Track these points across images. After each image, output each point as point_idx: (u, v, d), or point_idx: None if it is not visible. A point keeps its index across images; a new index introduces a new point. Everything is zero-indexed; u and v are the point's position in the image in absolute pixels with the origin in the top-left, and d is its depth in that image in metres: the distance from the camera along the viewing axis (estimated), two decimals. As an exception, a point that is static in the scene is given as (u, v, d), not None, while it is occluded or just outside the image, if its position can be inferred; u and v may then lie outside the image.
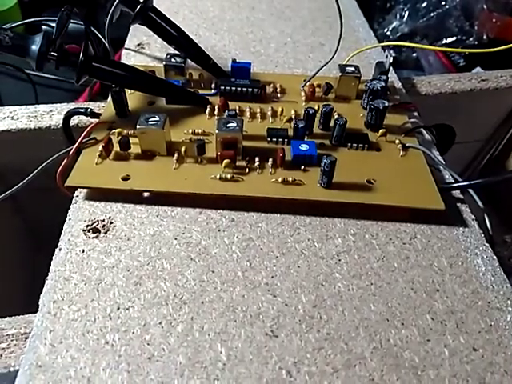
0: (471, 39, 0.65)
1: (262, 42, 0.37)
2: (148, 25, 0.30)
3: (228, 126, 0.25)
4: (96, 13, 0.63)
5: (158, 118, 0.25)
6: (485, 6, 0.64)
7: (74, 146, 0.25)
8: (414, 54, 0.65)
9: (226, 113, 0.27)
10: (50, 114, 0.32)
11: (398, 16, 0.67)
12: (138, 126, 0.25)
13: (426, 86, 0.38)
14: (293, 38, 0.38)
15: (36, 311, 0.20)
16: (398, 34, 0.67)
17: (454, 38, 0.65)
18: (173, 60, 0.31)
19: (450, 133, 0.41)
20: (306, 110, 0.27)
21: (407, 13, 0.66)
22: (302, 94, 0.31)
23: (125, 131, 0.27)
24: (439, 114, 0.39)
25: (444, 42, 0.66)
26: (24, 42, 0.25)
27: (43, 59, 0.25)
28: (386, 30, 0.67)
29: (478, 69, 0.64)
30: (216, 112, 0.29)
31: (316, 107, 0.28)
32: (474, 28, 0.65)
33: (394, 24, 0.67)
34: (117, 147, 0.26)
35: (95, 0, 0.63)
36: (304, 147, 0.25)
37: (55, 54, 0.25)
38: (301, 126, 0.27)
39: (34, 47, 0.25)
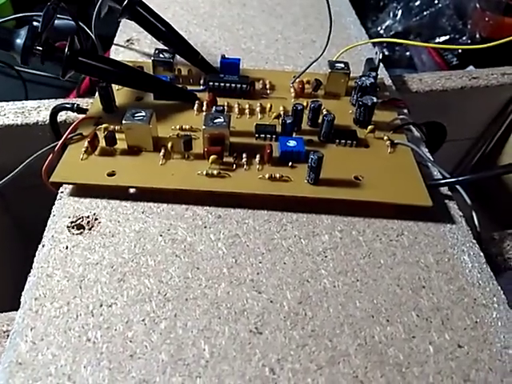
0: (464, 38, 0.65)
1: (252, 39, 0.37)
2: (136, 20, 0.30)
3: (215, 121, 0.25)
4: (87, 9, 0.63)
5: (144, 114, 0.25)
6: (477, 5, 0.64)
7: (60, 142, 0.25)
8: (408, 53, 0.65)
9: (214, 108, 0.27)
10: (38, 110, 0.32)
11: (391, 14, 0.67)
12: (123, 122, 0.25)
13: (416, 83, 0.38)
14: (283, 35, 0.38)
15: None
16: (391, 33, 0.67)
17: (447, 37, 0.65)
18: (161, 55, 0.30)
19: (441, 131, 0.40)
20: (294, 106, 0.27)
21: (400, 11, 0.66)
22: (292, 90, 0.31)
23: (111, 126, 0.26)
24: (430, 111, 0.39)
25: (437, 40, 0.66)
26: (9, 35, 0.25)
27: (28, 53, 0.25)
28: (379, 28, 0.67)
29: (471, 67, 0.64)
30: (204, 108, 0.29)
31: (305, 103, 0.28)
32: (467, 27, 0.65)
33: (387, 22, 0.67)
34: (103, 143, 0.25)
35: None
36: (292, 143, 0.25)
37: (40, 48, 0.24)
38: (289, 121, 0.26)
39: (19, 41, 0.24)
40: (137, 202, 0.24)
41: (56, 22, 0.27)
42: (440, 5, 0.64)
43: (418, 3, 0.66)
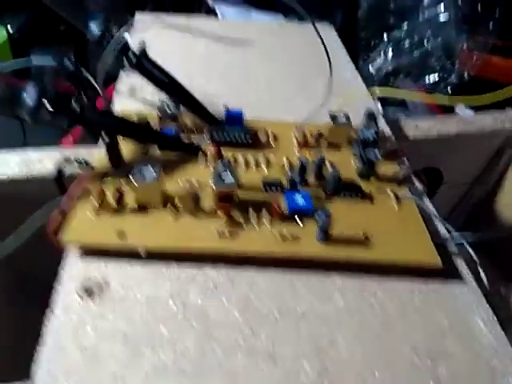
0: (453, 77, 0.67)
1: (252, 87, 0.38)
2: (140, 71, 0.30)
3: (224, 179, 0.25)
4: (85, 47, 0.63)
5: (152, 170, 0.25)
6: (465, 45, 0.67)
7: (70, 202, 0.25)
8: (399, 92, 0.67)
9: (221, 164, 0.27)
10: (41, 161, 0.32)
11: (382, 54, 0.69)
12: (132, 179, 0.25)
13: (413, 129, 0.39)
14: (282, 82, 0.39)
15: (24, 374, 0.19)
16: (382, 72, 0.68)
17: (436, 76, 0.67)
18: (166, 107, 0.31)
19: (437, 175, 0.41)
20: (299, 161, 0.27)
21: (391, 51, 0.68)
22: (294, 140, 0.31)
23: (118, 183, 0.26)
24: (425, 156, 0.40)
25: (426, 78, 0.67)
26: (15, 94, 0.25)
27: (38, 113, 0.24)
28: (369, 67, 0.69)
29: (461, 106, 0.65)
30: (209, 159, 0.29)
31: (309, 156, 0.29)
32: (456, 66, 0.67)
33: (377, 62, 0.69)
34: (111, 200, 0.25)
35: (83, 34, 0.63)
36: (300, 200, 0.25)
37: (50, 110, 0.24)
38: (295, 177, 0.27)
39: (29, 101, 0.24)
40: (146, 263, 0.23)
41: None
42: (429, 45, 0.66)
43: (407, 44, 0.68)
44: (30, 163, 0.32)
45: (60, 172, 0.28)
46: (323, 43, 0.30)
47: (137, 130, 0.28)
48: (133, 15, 0.74)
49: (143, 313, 0.21)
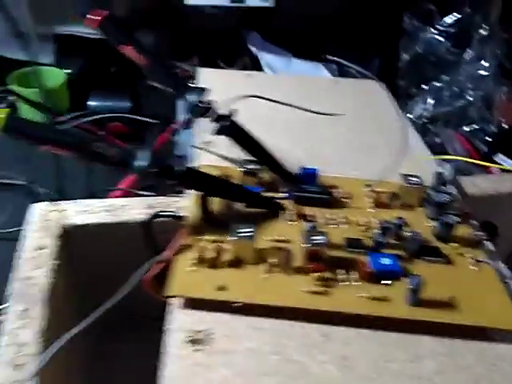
0: (491, 126, 0.69)
1: (315, 143, 0.40)
2: (228, 134, 0.33)
3: (313, 238, 0.27)
4: (136, 87, 0.66)
5: (248, 230, 0.27)
6: (504, 96, 0.69)
7: (169, 257, 0.27)
8: (438, 139, 0.69)
9: (308, 223, 0.29)
10: (126, 209, 0.34)
11: (421, 103, 0.71)
12: (230, 238, 0.27)
13: (470, 187, 0.40)
14: (344, 139, 0.41)
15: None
16: (421, 120, 0.71)
17: (475, 125, 0.69)
18: (248, 165, 0.33)
19: (493, 230, 0.43)
20: (382, 223, 0.29)
21: (430, 100, 0.70)
22: (367, 199, 0.33)
23: (213, 238, 0.28)
24: (481, 212, 0.41)
25: (464, 128, 0.69)
26: (127, 156, 0.27)
27: (146, 176, 0.27)
28: (409, 114, 0.71)
29: (500, 155, 0.67)
30: (291, 216, 0.31)
31: (386, 216, 0.30)
32: (494, 116, 0.69)
33: (417, 109, 0.71)
34: (209, 254, 0.27)
35: (140, 75, 0.66)
36: (386, 262, 0.27)
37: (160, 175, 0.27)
38: (378, 239, 0.28)
39: (139, 164, 0.26)
40: (246, 317, 0.25)
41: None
42: (469, 97, 0.68)
43: (447, 94, 0.70)
44: (115, 209, 0.34)
45: (149, 225, 0.30)
46: (391, 108, 0.32)
47: (227, 186, 0.30)
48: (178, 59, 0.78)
49: (249, 366, 0.23)
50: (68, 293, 0.31)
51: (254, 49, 0.77)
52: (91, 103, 0.60)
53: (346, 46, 0.76)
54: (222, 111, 0.32)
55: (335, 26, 0.78)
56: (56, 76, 0.64)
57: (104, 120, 0.41)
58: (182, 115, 0.62)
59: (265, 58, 0.76)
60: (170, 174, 0.27)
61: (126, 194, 0.50)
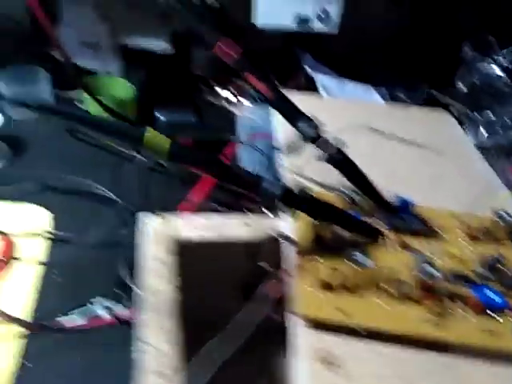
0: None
1: (405, 177, 0.42)
2: (335, 164, 0.34)
3: (428, 271, 0.29)
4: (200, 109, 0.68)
5: (363, 256, 0.29)
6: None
7: (288, 279, 0.29)
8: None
9: (420, 256, 0.30)
10: (228, 226, 0.36)
11: (473, 132, 0.73)
12: (347, 262, 0.29)
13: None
14: (420, 170, 0.43)
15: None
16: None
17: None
18: (348, 192, 0.35)
19: None
20: (484, 258, 0.31)
21: (483, 130, 0.72)
22: (459, 231, 0.35)
23: (328, 262, 0.30)
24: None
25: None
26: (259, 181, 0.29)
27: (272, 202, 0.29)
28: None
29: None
30: (394, 245, 0.32)
31: (484, 251, 0.32)
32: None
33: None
34: (328, 278, 0.29)
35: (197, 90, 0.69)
36: (494, 297, 0.29)
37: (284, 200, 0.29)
38: (483, 273, 0.30)
39: (271, 190, 0.28)
40: (368, 342, 0.27)
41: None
42: (523, 129, 0.70)
43: (499, 124, 0.72)
44: (218, 226, 0.36)
45: (263, 244, 0.32)
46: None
47: (338, 213, 0.32)
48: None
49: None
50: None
51: (309, 69, 0.80)
52: (160, 116, 0.62)
53: (395, 72, 0.78)
54: (332, 141, 0.34)
55: (388, 52, 0.80)
56: (123, 87, 0.66)
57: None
58: (243, 131, 0.64)
59: (320, 79, 0.79)
60: (293, 200, 0.29)
61: (195, 207, 0.52)
